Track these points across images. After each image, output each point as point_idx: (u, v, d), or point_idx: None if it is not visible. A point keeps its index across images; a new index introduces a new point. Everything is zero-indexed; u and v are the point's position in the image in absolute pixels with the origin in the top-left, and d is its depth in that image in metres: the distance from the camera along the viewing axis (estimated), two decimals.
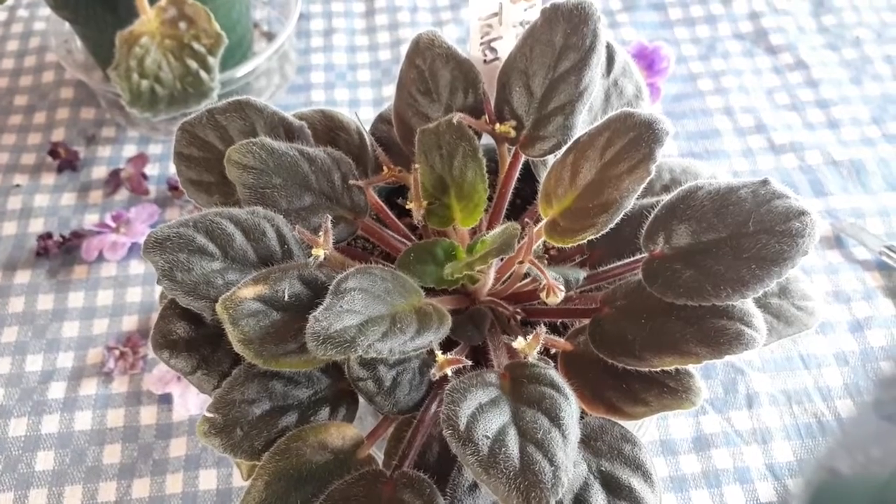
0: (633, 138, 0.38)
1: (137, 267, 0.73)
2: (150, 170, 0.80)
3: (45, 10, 0.95)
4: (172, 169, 0.80)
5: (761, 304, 0.43)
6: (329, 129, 0.48)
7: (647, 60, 0.80)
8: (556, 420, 0.34)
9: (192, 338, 0.40)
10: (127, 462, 0.61)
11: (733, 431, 0.61)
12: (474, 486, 0.36)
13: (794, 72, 0.86)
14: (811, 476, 0.57)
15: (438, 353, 0.37)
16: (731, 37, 0.90)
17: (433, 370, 0.37)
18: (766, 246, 0.37)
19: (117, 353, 0.66)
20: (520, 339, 0.38)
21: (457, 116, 0.42)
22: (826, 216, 0.74)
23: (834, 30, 0.90)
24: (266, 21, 0.93)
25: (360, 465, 0.38)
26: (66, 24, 0.81)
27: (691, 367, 0.39)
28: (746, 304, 0.38)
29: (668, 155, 0.68)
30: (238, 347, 0.37)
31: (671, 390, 0.38)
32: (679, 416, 0.62)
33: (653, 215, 0.41)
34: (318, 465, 0.37)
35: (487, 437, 0.33)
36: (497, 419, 0.34)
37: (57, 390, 0.65)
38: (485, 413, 0.34)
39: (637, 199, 0.45)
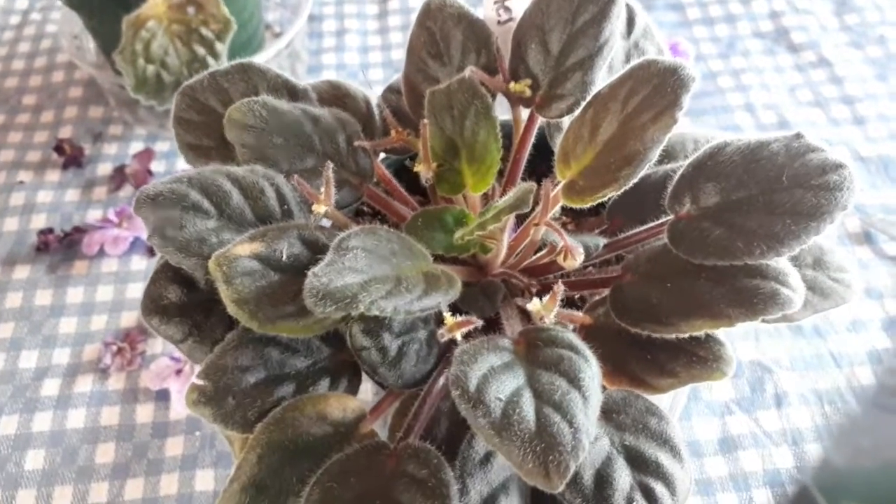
0: (658, 85, 0.36)
1: (139, 262, 0.71)
2: (157, 166, 0.78)
3: (57, 14, 0.94)
4: (179, 164, 0.78)
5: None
6: (335, 97, 0.46)
7: None
8: (574, 382, 0.31)
9: (184, 303, 0.38)
10: (120, 462, 0.58)
11: (762, 432, 0.58)
12: (486, 459, 0.33)
13: (816, 69, 0.83)
14: (807, 469, 0.53)
15: (447, 314, 0.34)
16: (752, 35, 0.88)
17: (441, 331, 0.34)
18: (802, 201, 0.34)
19: (115, 348, 0.64)
20: (535, 300, 0.35)
21: (469, 70, 0.40)
22: (855, 212, 0.71)
23: (857, 28, 0.87)
24: (278, 23, 0.92)
25: (361, 440, 0.35)
26: (78, 23, 0.81)
27: (721, 336, 0.36)
28: (781, 262, 0.35)
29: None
30: (231, 308, 0.34)
31: (700, 359, 0.35)
32: (704, 416, 0.59)
33: (678, 175, 0.38)
34: (316, 438, 0.34)
35: (500, 399, 0.30)
36: (511, 382, 0.31)
37: (51, 387, 0.63)
38: (497, 375, 0.31)
39: (660, 165, 0.43)
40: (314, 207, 0.37)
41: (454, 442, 0.34)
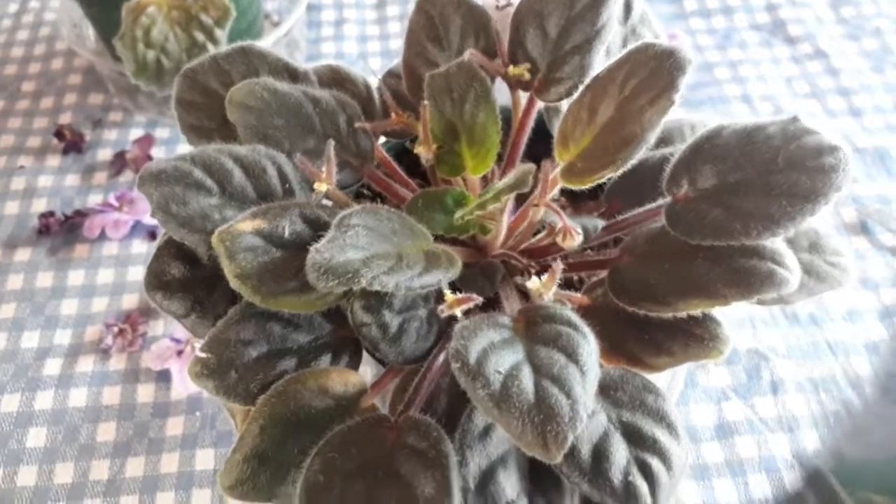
0: (655, 68, 0.36)
1: (140, 246, 0.71)
2: (157, 152, 0.78)
3: (56, 2, 0.94)
4: (180, 150, 0.79)
5: None
6: (335, 80, 0.46)
7: None
8: (572, 356, 0.31)
9: (187, 279, 0.38)
10: (121, 440, 0.59)
11: (758, 419, 0.58)
12: (485, 433, 0.34)
13: (813, 61, 0.84)
14: (818, 462, 0.54)
15: (447, 292, 0.35)
16: (748, 27, 0.88)
17: (441, 307, 0.35)
18: (798, 182, 0.35)
19: (116, 329, 0.64)
20: (534, 278, 0.36)
21: (468, 53, 0.40)
22: (851, 203, 0.71)
23: (853, 21, 0.88)
24: (277, 12, 0.92)
25: (362, 413, 0.35)
26: (77, 11, 0.81)
27: (718, 315, 0.36)
28: (777, 243, 0.35)
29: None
30: (234, 283, 0.34)
31: (697, 338, 0.36)
32: (701, 403, 0.59)
33: (675, 158, 0.39)
34: (317, 411, 0.35)
35: (499, 373, 0.30)
36: (510, 357, 0.32)
37: (52, 367, 0.63)
38: (497, 350, 0.32)
39: (657, 149, 0.43)
40: (316, 186, 0.37)
41: (454, 416, 0.34)
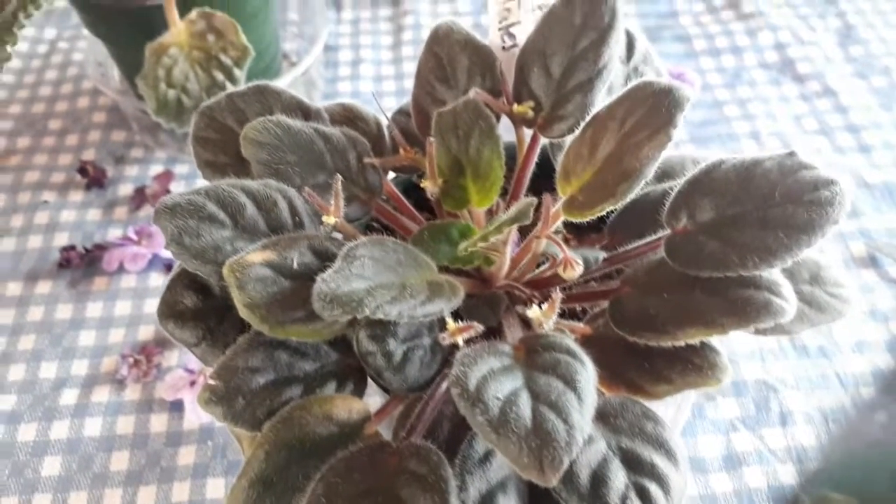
0: (653, 105, 0.37)
1: (157, 279, 0.73)
2: (176, 187, 0.81)
3: (83, 43, 0.98)
4: (198, 185, 0.81)
5: (794, 291, 0.41)
6: (347, 118, 0.48)
7: None
8: (570, 383, 0.32)
9: (199, 308, 0.39)
10: (134, 469, 0.60)
11: (766, 449, 0.58)
12: (485, 458, 0.34)
13: (822, 98, 0.85)
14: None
15: (450, 321, 0.36)
16: (757, 66, 0.90)
17: (443, 335, 0.36)
18: (794, 215, 0.36)
19: (131, 360, 0.66)
20: (534, 307, 0.36)
21: (473, 92, 0.42)
22: (859, 237, 0.71)
23: (862, 59, 0.89)
24: (296, 52, 0.95)
25: (366, 439, 0.36)
26: (103, 51, 0.84)
27: (717, 344, 0.37)
28: (774, 274, 0.36)
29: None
30: (244, 312, 0.35)
31: (696, 367, 0.36)
32: (709, 434, 0.59)
33: (675, 192, 0.40)
34: (322, 437, 0.35)
35: (498, 399, 0.31)
36: (509, 384, 0.32)
37: (69, 397, 0.64)
38: (496, 377, 0.32)
39: (659, 183, 0.44)
40: (324, 219, 0.39)
41: (455, 443, 0.35)
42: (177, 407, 0.63)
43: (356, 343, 0.37)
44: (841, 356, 0.63)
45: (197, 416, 0.62)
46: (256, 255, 0.37)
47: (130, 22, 0.70)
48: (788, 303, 0.35)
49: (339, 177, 0.39)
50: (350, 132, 0.44)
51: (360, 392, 0.39)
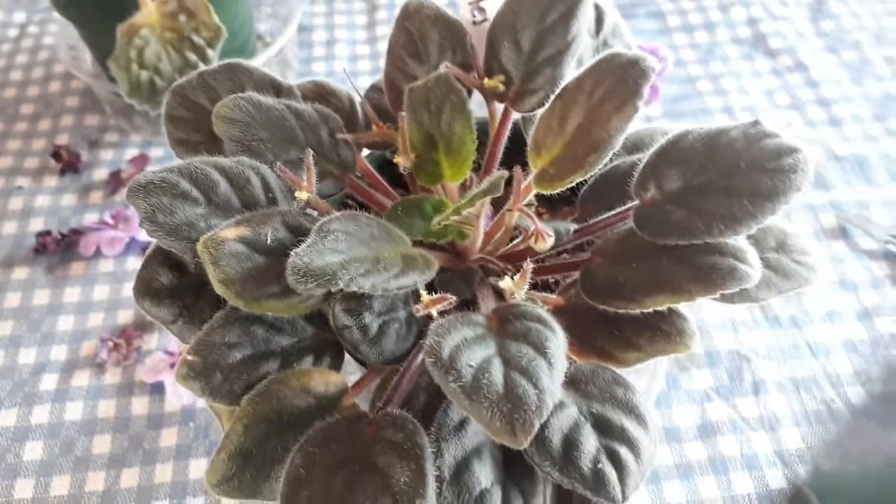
0: (620, 76, 0.38)
1: (135, 262, 0.73)
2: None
3: (54, 26, 0.97)
4: None
5: (761, 259, 0.42)
6: (319, 95, 0.48)
7: None
8: (541, 349, 0.32)
9: (175, 286, 0.40)
10: (117, 452, 0.60)
11: (740, 418, 0.59)
12: (460, 426, 0.35)
13: (793, 73, 0.86)
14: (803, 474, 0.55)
15: (424, 293, 0.36)
16: (730, 41, 0.90)
17: (417, 306, 0.36)
18: (759, 183, 0.36)
19: (111, 344, 0.65)
20: (506, 279, 0.37)
21: (444, 66, 0.42)
22: (830, 208, 0.73)
23: (833, 34, 0.90)
24: (269, 33, 0.94)
25: (343, 411, 0.36)
26: (74, 34, 0.83)
27: (685, 311, 0.38)
28: (739, 241, 0.37)
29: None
30: (219, 288, 0.36)
31: (664, 333, 0.37)
32: (684, 404, 0.60)
33: (643, 163, 0.40)
34: (299, 410, 0.36)
35: (471, 366, 0.32)
36: (481, 351, 0.33)
37: (49, 382, 0.64)
38: (469, 345, 0.33)
39: (629, 155, 0.45)
40: (297, 194, 0.39)
41: (431, 412, 0.36)
42: (157, 389, 0.63)
43: (332, 317, 0.38)
44: (812, 326, 0.64)
45: (178, 397, 0.62)
46: (230, 231, 0.37)
47: (100, 3, 0.69)
48: (753, 268, 0.36)
49: (311, 151, 0.40)
50: (322, 108, 0.44)
51: (336, 366, 0.39)
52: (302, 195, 0.39)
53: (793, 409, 0.59)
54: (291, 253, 0.34)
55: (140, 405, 0.63)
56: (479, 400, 0.30)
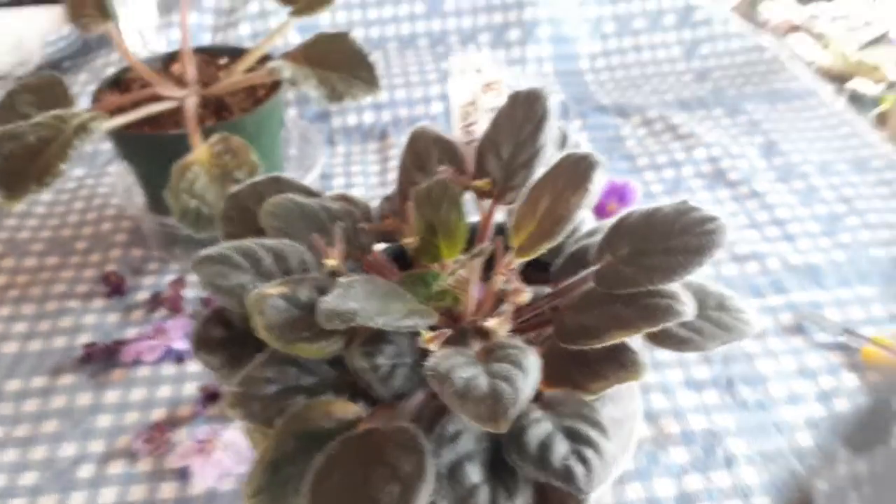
0: (574, 168, 0.49)
1: (169, 369, 0.81)
2: (188, 293, 0.91)
3: (109, 179, 1.12)
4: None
5: (703, 316, 0.51)
6: (343, 200, 0.59)
7: (619, 194, 0.94)
8: (517, 365, 0.41)
9: (224, 338, 0.49)
10: None
11: (715, 489, 0.65)
12: (455, 436, 0.42)
13: (750, 199, 0.99)
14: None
15: (424, 332, 0.45)
16: (694, 176, 1.04)
17: (419, 340, 0.45)
18: (689, 242, 0.46)
19: (144, 437, 0.73)
20: (490, 319, 0.46)
21: (441, 168, 0.54)
22: (787, 309, 0.82)
23: (783, 167, 1.04)
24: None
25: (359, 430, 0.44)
26: (129, 180, 0.97)
27: (637, 348, 0.46)
28: (674, 287, 0.46)
29: None
30: (262, 333, 0.45)
31: (622, 364, 0.46)
32: (662, 477, 0.66)
33: (600, 239, 0.51)
34: (323, 429, 0.44)
35: (462, 378, 0.40)
36: (471, 370, 0.42)
37: (86, 471, 0.71)
38: (461, 366, 0.42)
39: (590, 238, 0.55)
40: (326, 261, 0.49)
41: (431, 429, 0.43)
42: (185, 475, 0.69)
43: (351, 360, 0.46)
44: (776, 408, 0.71)
45: (204, 480, 0.68)
46: (273, 289, 0.47)
47: (160, 147, 0.84)
48: (686, 307, 0.45)
49: (340, 223, 0.50)
50: (346, 205, 0.56)
51: (353, 402, 0.47)
52: (330, 262, 0.49)
53: (761, 479, 0.65)
54: (320, 300, 0.44)
55: (168, 489, 0.69)
56: (468, 399, 0.39)
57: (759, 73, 1.29)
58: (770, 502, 0.63)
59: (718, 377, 0.75)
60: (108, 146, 1.20)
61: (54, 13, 1.51)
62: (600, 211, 0.93)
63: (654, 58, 1.35)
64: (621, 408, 0.51)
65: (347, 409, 0.45)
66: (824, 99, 1.20)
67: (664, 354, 0.78)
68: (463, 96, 0.58)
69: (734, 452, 0.68)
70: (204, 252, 0.49)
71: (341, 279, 0.48)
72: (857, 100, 1.24)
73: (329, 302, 0.44)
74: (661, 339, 0.49)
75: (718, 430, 0.70)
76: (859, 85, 1.28)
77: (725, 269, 0.88)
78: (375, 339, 0.47)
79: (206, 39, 1.36)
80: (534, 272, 0.56)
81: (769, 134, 1.12)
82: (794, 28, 1.54)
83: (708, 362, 0.77)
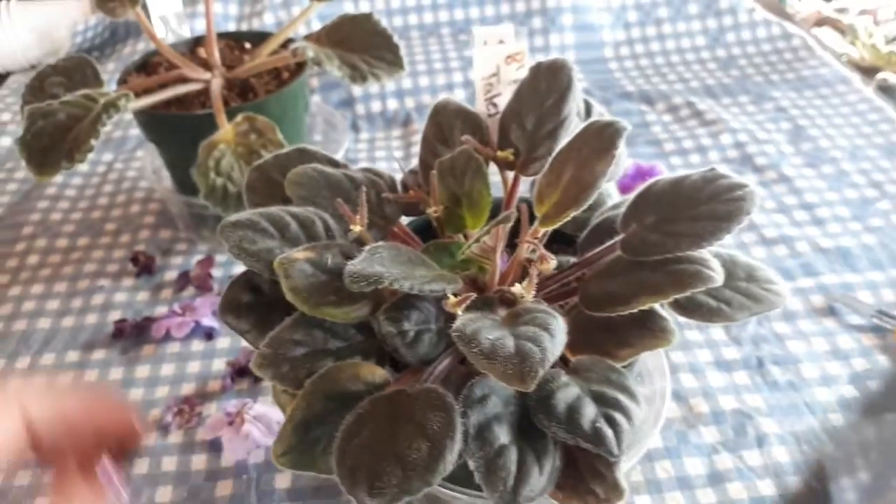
0: (599, 135, 0.49)
1: (198, 345, 0.82)
2: (216, 272, 0.92)
3: (137, 163, 1.14)
4: (235, 270, 0.92)
5: (732, 287, 0.50)
6: (368, 172, 0.60)
7: (645, 176, 0.93)
8: (544, 327, 0.41)
9: (252, 303, 0.49)
10: (177, 500, 0.66)
11: (746, 467, 0.64)
12: (483, 398, 0.42)
13: (778, 184, 0.97)
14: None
15: (451, 296, 0.45)
16: (720, 161, 1.03)
17: (445, 303, 0.45)
18: (717, 209, 0.46)
19: (175, 410, 0.74)
20: (517, 285, 0.46)
21: (465, 138, 0.54)
22: (818, 291, 0.81)
23: (811, 153, 1.02)
24: None
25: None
26: (157, 162, 0.99)
27: (665, 314, 0.46)
28: (703, 254, 0.46)
29: None
30: (289, 295, 0.45)
31: (650, 331, 0.45)
32: (693, 456, 0.66)
33: (624, 207, 0.50)
34: (351, 391, 0.44)
35: (489, 339, 0.40)
36: (497, 332, 0.41)
37: None
38: (488, 329, 0.42)
39: (615, 210, 0.55)
40: (351, 227, 0.49)
41: (459, 392, 0.44)
42: (215, 447, 0.70)
43: (378, 325, 0.46)
44: (808, 389, 0.70)
45: (233, 453, 0.69)
46: (300, 254, 0.47)
47: (186, 127, 0.85)
48: (716, 272, 0.44)
49: (364, 188, 0.50)
50: (371, 176, 0.56)
51: (380, 366, 0.48)
52: (356, 228, 0.49)
53: (794, 459, 0.64)
54: (347, 264, 0.44)
55: (199, 461, 0.70)
56: (495, 359, 0.39)
57: (785, 60, 1.27)
58: (802, 482, 0.62)
59: (748, 357, 0.74)
60: (136, 132, 1.22)
61: (82, 4, 1.54)
62: (626, 192, 0.93)
63: (678, 46, 1.33)
64: (649, 385, 0.51)
65: (375, 372, 0.46)
66: (854, 86, 1.18)
67: (692, 334, 0.77)
68: (486, 68, 0.58)
69: (765, 432, 0.67)
70: (231, 217, 0.49)
71: (367, 246, 0.48)
72: (886, 90, 1.21)
73: (356, 265, 0.44)
74: (690, 310, 0.48)
75: (749, 410, 0.69)
76: (889, 77, 1.25)
77: (754, 252, 0.87)
78: (401, 304, 0.47)
79: (230, 28, 1.37)
80: (559, 247, 0.56)
81: (796, 120, 1.10)
82: (822, 21, 1.52)
83: (737, 343, 0.76)
